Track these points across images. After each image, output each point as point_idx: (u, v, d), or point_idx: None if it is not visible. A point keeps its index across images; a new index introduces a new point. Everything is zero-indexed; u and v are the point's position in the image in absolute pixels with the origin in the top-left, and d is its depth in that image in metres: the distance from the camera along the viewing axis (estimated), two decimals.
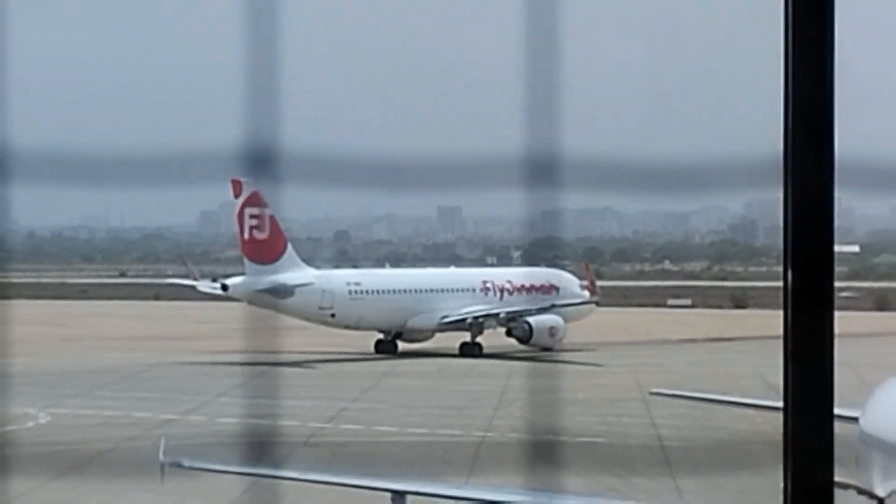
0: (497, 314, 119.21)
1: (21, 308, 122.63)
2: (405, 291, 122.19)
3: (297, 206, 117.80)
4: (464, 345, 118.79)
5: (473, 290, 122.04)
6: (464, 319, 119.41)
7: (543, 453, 59.66)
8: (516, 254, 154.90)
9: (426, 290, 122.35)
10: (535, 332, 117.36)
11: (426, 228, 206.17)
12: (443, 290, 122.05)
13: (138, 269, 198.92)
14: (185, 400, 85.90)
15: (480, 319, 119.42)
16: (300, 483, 47.03)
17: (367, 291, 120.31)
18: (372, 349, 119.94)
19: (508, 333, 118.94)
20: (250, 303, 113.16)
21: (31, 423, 78.29)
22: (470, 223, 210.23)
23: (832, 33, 5.30)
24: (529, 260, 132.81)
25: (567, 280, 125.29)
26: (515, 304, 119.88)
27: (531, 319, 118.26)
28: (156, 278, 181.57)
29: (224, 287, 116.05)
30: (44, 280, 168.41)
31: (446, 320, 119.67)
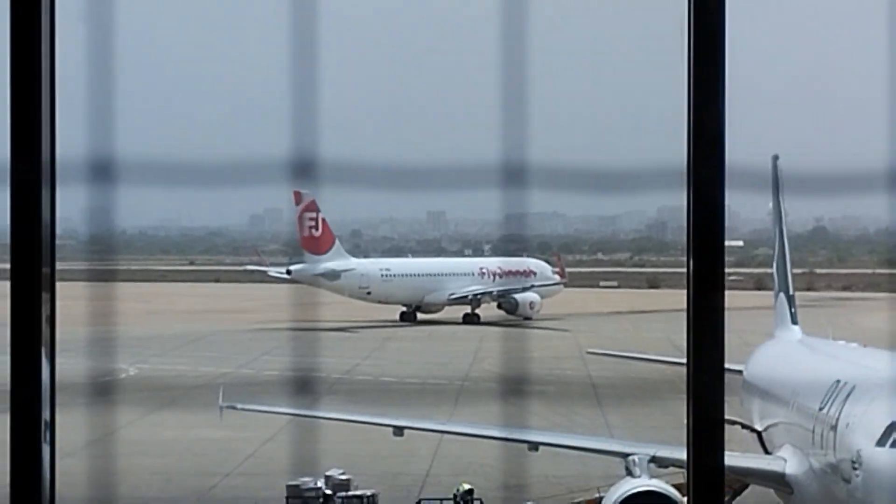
0: (491, 292, 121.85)
1: (115, 289, 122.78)
2: (423, 275, 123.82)
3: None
4: (466, 315, 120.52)
5: (473, 273, 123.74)
6: (466, 296, 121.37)
7: (506, 397, 59.74)
8: (487, 247, 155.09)
9: (438, 274, 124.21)
10: (519, 306, 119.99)
11: (419, 228, 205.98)
12: (450, 274, 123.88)
13: (203, 258, 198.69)
14: (239, 358, 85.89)
15: (479, 296, 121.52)
16: (325, 419, 47.10)
17: (394, 275, 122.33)
18: (397, 318, 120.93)
19: (499, 306, 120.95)
20: (309, 284, 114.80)
21: (123, 375, 78.45)
22: (451, 224, 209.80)
23: (723, 72, 5.25)
24: (496, 252, 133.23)
25: (542, 267, 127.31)
26: (504, 285, 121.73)
27: (517, 296, 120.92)
28: (216, 266, 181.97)
29: (288, 272, 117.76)
30: (132, 267, 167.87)
31: (453, 296, 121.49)
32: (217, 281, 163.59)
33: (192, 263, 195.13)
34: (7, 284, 5.13)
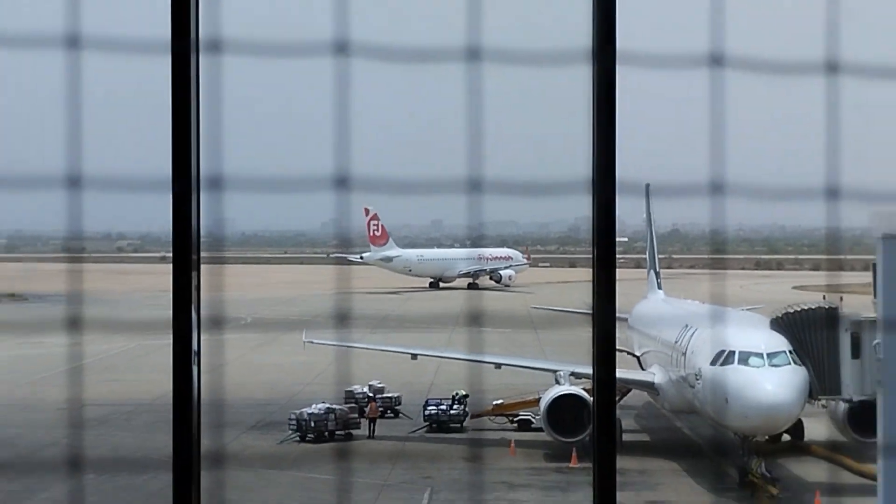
0: (485, 269, 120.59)
1: (236, 269, 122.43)
2: (443, 259, 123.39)
3: (359, 217, 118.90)
4: (469, 284, 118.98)
5: (474, 258, 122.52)
6: (470, 272, 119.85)
7: (473, 323, 59.62)
8: (468, 243, 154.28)
9: (453, 259, 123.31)
10: (503, 278, 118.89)
11: (425, 230, 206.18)
12: (460, 259, 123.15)
13: (294, 250, 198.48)
14: (317, 309, 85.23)
15: (477, 272, 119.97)
16: (363, 349, 47.10)
17: (426, 259, 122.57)
18: (427, 286, 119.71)
19: (490, 278, 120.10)
20: (374, 265, 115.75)
21: (243, 322, 78.13)
22: (446, 227, 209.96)
23: (614, 120, 5.15)
24: (474, 246, 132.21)
25: (516, 254, 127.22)
26: (493, 265, 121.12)
27: (501, 272, 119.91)
28: (301, 254, 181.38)
29: (361, 257, 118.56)
30: (248, 255, 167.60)
31: (462, 272, 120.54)
32: (301, 263, 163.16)
33: (285, 253, 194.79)
34: (170, 266, 5.12)
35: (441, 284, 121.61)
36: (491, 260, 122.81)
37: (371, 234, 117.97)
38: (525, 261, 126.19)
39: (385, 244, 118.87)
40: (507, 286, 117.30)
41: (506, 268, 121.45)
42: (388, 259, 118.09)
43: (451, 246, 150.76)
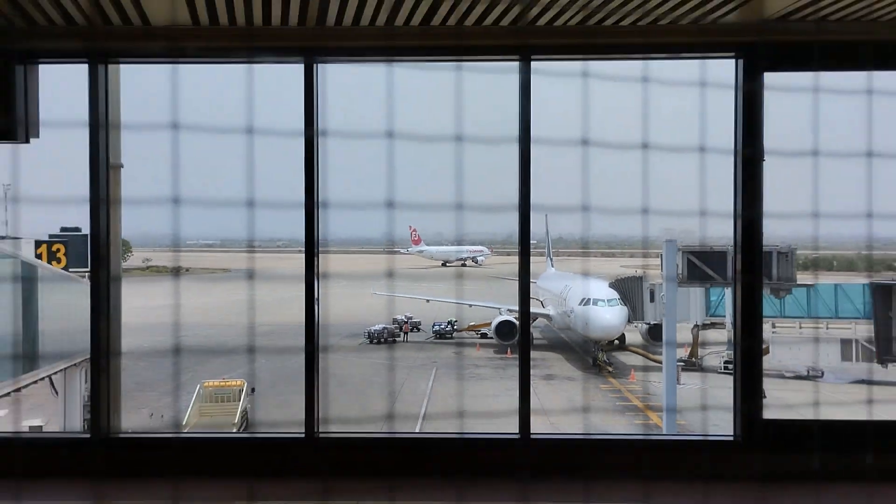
0: (470, 257, 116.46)
1: (339, 257, 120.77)
2: (450, 251, 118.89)
3: (406, 230, 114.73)
4: (462, 264, 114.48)
5: (465, 251, 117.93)
6: (462, 258, 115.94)
7: (459, 279, 58.21)
8: (457, 242, 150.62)
9: (454, 251, 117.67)
10: (479, 261, 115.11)
11: (433, 236, 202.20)
12: (457, 251, 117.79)
13: (367, 247, 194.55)
14: (371, 284, 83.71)
15: (466, 258, 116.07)
16: (401, 296, 46.37)
17: (441, 252, 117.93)
18: (440, 265, 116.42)
19: (472, 261, 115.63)
20: (414, 255, 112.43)
21: (338, 288, 76.55)
22: (442, 236, 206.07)
23: (529, 174, 4.84)
24: (460, 244, 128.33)
25: (485, 248, 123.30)
26: (474, 254, 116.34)
27: (478, 258, 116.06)
28: (371, 251, 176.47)
29: (407, 251, 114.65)
30: (342, 249, 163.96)
31: (458, 258, 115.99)
32: (364, 253, 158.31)
33: (362, 248, 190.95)
34: (302, 256, 5.05)
35: (447, 265, 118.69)
36: (472, 251, 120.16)
37: (412, 238, 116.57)
38: (490, 252, 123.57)
39: (420, 244, 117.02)
40: (480, 265, 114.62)
41: (480, 256, 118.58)
42: (421, 252, 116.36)
43: (450, 245, 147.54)
